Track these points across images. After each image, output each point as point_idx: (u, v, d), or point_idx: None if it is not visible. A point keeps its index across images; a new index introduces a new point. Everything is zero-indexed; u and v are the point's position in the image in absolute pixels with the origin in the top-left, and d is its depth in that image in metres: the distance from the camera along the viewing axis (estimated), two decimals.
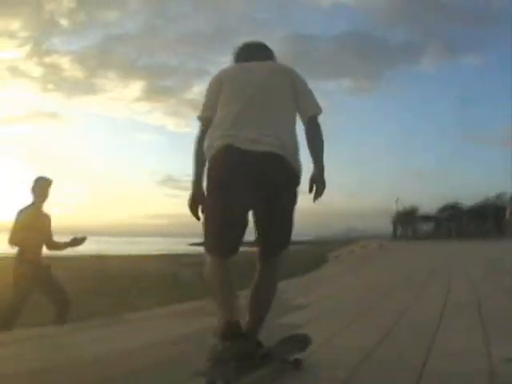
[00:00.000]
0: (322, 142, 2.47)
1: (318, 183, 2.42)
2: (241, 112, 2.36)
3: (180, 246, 53.02)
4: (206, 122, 2.45)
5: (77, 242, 4.84)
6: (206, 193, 2.41)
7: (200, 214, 2.43)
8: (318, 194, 2.43)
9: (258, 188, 2.28)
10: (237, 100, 2.40)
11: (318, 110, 2.50)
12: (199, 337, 3.35)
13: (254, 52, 2.69)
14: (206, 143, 2.40)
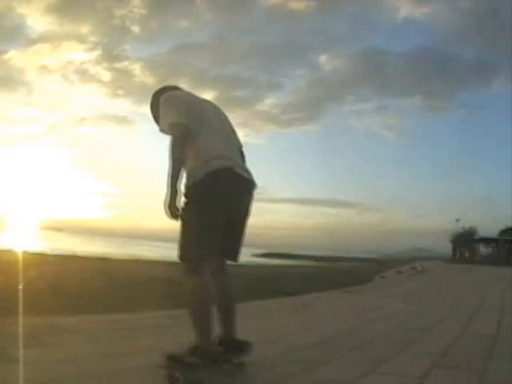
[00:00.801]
0: None
1: None
2: (226, 140, 2.85)
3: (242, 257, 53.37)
4: (185, 129, 2.65)
5: None
6: (196, 201, 2.64)
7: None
8: None
9: (241, 203, 2.80)
10: (220, 128, 2.86)
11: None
12: None
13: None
14: (199, 157, 2.67)
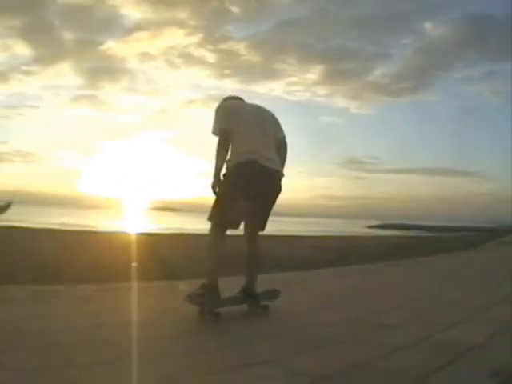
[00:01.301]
0: (286, 155, 3.99)
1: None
2: (260, 137, 3.74)
3: (354, 229, 52.25)
4: (227, 133, 3.67)
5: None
6: (229, 181, 3.63)
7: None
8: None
9: (264, 188, 3.73)
10: (256, 129, 3.77)
11: (284, 135, 4.00)
12: None
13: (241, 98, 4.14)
14: (235, 150, 3.67)
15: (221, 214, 3.64)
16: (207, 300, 3.55)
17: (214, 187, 3.66)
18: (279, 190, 3.85)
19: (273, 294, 4.03)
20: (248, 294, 3.86)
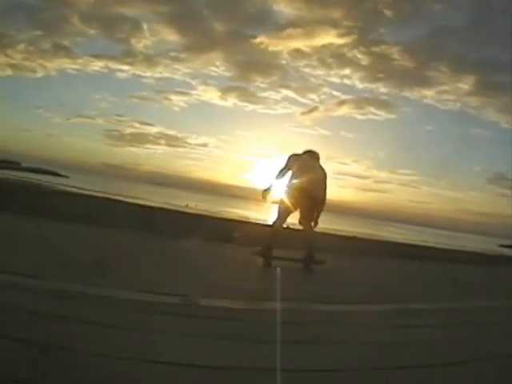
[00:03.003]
0: None
1: None
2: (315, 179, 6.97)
3: (485, 245, 49.44)
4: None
5: None
6: None
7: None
8: None
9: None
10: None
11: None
12: None
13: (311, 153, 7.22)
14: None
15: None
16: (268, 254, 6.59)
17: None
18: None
19: (318, 262, 6.77)
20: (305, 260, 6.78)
